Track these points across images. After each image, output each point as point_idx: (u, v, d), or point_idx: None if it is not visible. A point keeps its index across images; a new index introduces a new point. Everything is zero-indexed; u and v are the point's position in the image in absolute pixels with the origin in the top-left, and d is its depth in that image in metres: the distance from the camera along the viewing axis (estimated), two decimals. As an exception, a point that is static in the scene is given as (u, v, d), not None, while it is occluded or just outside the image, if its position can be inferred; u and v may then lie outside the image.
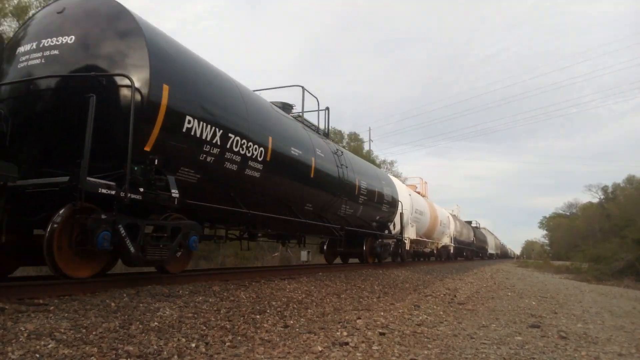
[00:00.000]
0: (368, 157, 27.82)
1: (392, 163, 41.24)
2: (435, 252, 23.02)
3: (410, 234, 16.78)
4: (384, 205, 12.92)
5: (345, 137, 35.77)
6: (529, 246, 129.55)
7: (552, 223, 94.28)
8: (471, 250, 35.06)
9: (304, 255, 15.94)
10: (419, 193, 21.37)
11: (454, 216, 29.06)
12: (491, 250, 50.63)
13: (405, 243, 15.89)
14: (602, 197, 66.22)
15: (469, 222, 37.82)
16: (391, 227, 14.48)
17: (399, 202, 14.40)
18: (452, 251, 26.58)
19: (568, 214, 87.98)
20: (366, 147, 36.05)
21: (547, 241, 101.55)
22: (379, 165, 31.59)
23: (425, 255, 23.10)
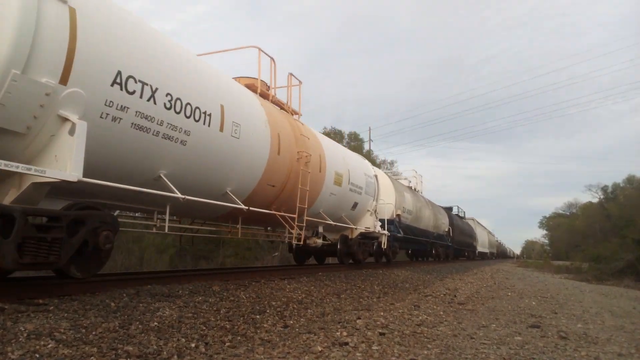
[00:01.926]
0: (368, 157, 27.18)
1: (392, 163, 41.16)
2: (339, 245, 10.78)
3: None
4: None
5: (346, 136, 35.82)
6: (529, 246, 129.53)
7: (552, 223, 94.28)
8: (444, 246, 23.32)
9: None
10: (263, 96, 7.79)
11: (404, 186, 17.04)
12: (483, 248, 39.62)
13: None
14: (602, 197, 66.14)
15: (449, 209, 27.14)
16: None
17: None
18: (384, 244, 12.93)
19: (568, 213, 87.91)
20: (366, 147, 36.06)
21: (547, 241, 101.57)
22: (378, 166, 31.05)
23: (306, 254, 11.94)
